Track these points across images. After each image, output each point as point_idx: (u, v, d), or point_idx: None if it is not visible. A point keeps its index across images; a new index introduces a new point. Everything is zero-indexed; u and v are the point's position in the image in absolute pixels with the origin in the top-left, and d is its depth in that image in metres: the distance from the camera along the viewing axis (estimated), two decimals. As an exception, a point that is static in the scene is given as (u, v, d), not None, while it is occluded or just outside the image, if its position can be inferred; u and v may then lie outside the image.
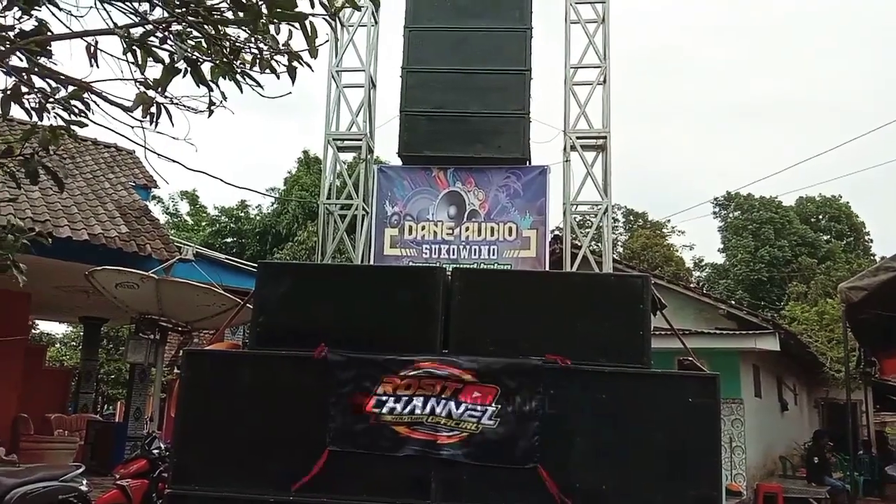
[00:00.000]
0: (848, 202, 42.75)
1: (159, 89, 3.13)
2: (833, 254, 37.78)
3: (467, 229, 7.43)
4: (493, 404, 3.37)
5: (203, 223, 33.22)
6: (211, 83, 3.22)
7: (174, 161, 3.52)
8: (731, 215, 42.04)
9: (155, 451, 8.46)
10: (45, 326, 28.76)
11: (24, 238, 3.92)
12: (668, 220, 42.54)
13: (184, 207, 34.71)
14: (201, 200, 34.66)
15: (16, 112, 3.37)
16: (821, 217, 42.52)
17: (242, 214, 32.27)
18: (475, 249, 7.41)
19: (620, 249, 36.50)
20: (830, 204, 42.40)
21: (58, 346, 31.98)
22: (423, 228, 7.53)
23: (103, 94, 3.34)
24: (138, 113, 3.23)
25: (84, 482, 7.83)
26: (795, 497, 12.93)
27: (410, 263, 7.29)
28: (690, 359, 3.91)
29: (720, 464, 3.29)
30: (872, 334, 14.02)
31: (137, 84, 3.19)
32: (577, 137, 7.41)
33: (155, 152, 3.33)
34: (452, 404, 3.37)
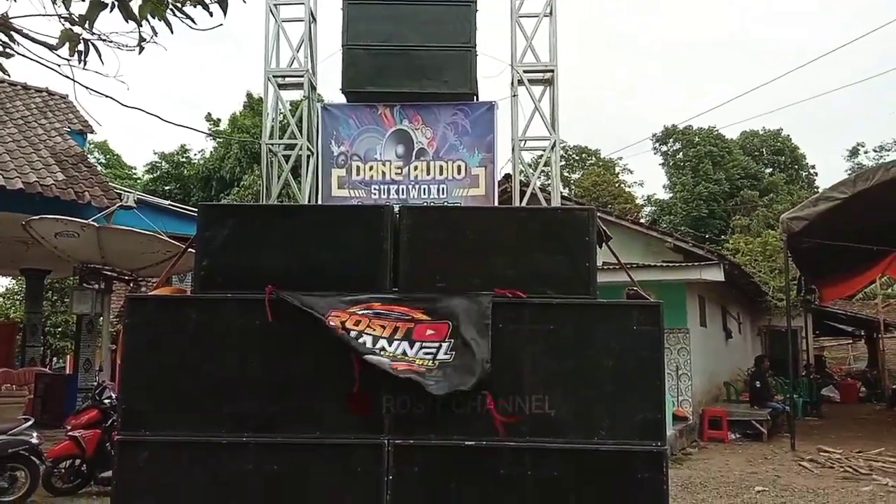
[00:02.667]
0: (789, 135, 43.59)
1: (86, 25, 2.96)
2: (776, 186, 38.67)
3: (416, 168, 7.35)
4: (447, 339, 3.37)
5: (140, 171, 32.27)
6: (139, 18, 3.06)
7: (107, 97, 3.37)
8: (670, 150, 42.47)
9: (106, 401, 8.39)
10: (-15, 281, 27.92)
11: None
12: (620, 159, 42.92)
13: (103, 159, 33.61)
14: (135, 152, 33.62)
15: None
16: (764, 150, 43.26)
17: (184, 160, 31.39)
18: (424, 189, 7.36)
19: (568, 190, 36.71)
20: (774, 137, 43.12)
21: (1, 300, 31.13)
22: (370, 168, 7.42)
23: (24, 31, 3.16)
24: (65, 52, 3.07)
25: (34, 435, 7.75)
26: (739, 420, 13.53)
27: (358, 204, 7.21)
28: (636, 289, 3.98)
29: (664, 388, 3.38)
30: (813, 263, 14.54)
31: (62, 20, 3.01)
32: (525, 71, 7.33)
33: (86, 87, 3.17)
34: (406, 344, 3.35)
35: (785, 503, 7.74)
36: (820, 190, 26.31)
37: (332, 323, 3.31)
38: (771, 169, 42.67)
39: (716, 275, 12.52)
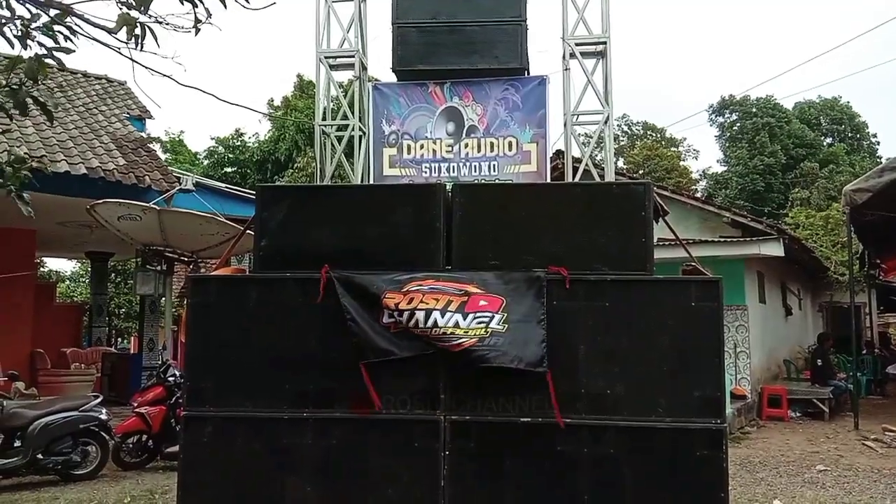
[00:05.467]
0: (849, 102, 41.84)
1: (142, 8, 3.03)
2: (836, 156, 37.29)
3: (466, 146, 7.31)
4: (501, 312, 3.38)
5: (201, 157, 32.97)
6: (195, -1, 3.12)
7: (166, 76, 3.44)
8: (727, 122, 41.26)
9: (170, 379, 8.67)
10: (53, 264, 28.99)
11: (23, 169, 3.88)
12: (685, 139, 41.96)
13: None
14: (192, 141, 34.43)
15: (-1, 45, 3.28)
16: (822, 120, 41.72)
17: (239, 143, 31.91)
18: (475, 166, 7.32)
19: (620, 163, 36.07)
20: (832, 106, 41.48)
21: (67, 282, 32.30)
22: (421, 147, 7.42)
23: (85, 16, 3.25)
24: (123, 36, 3.14)
25: (103, 411, 8.06)
26: (799, 398, 13.24)
27: (410, 183, 7.22)
28: (693, 264, 3.92)
29: (724, 366, 3.33)
30: (877, 236, 14.06)
31: (119, 5, 3.09)
32: (576, 44, 7.20)
33: (145, 66, 3.24)
34: (459, 315, 3.35)
35: (848, 483, 7.56)
36: (883, 160, 25.35)
37: (385, 320, 3.40)
38: (830, 139, 41.19)
39: (775, 250, 12.19)
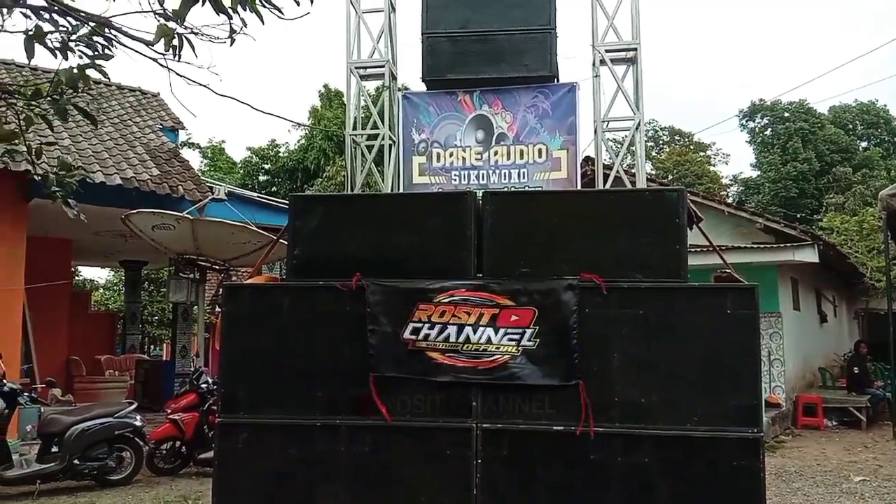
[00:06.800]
0: (886, 105, 41.03)
1: (179, 20, 3.09)
2: (871, 161, 36.56)
3: (496, 153, 7.33)
4: (532, 326, 3.38)
5: (237, 167, 33.49)
6: (230, 10, 3.17)
7: (202, 85, 3.49)
8: (757, 127, 40.67)
9: (203, 386, 8.76)
10: (88, 273, 29.52)
11: (68, 177, 3.98)
12: (714, 143, 41.48)
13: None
14: (228, 151, 35.01)
15: (39, 57, 3.37)
16: (857, 124, 40.97)
17: (272, 154, 32.31)
18: (505, 173, 7.33)
19: (650, 168, 35.75)
20: (868, 110, 40.73)
21: (101, 290, 32.83)
22: (450, 155, 7.45)
23: (123, 28, 3.32)
24: (160, 47, 3.20)
25: (138, 417, 8.17)
26: (835, 407, 12.99)
27: (440, 191, 7.25)
28: (728, 271, 3.87)
29: (760, 373, 3.29)
30: (915, 241, 13.75)
31: (157, 16, 3.15)
32: (606, 51, 7.18)
33: (181, 76, 3.30)
34: (491, 330, 3.39)
35: (889, 494, 7.39)
36: (923, 165, 24.80)
37: (405, 335, 3.43)
38: (865, 143, 40.43)
39: (809, 256, 12.00)
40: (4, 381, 7.34)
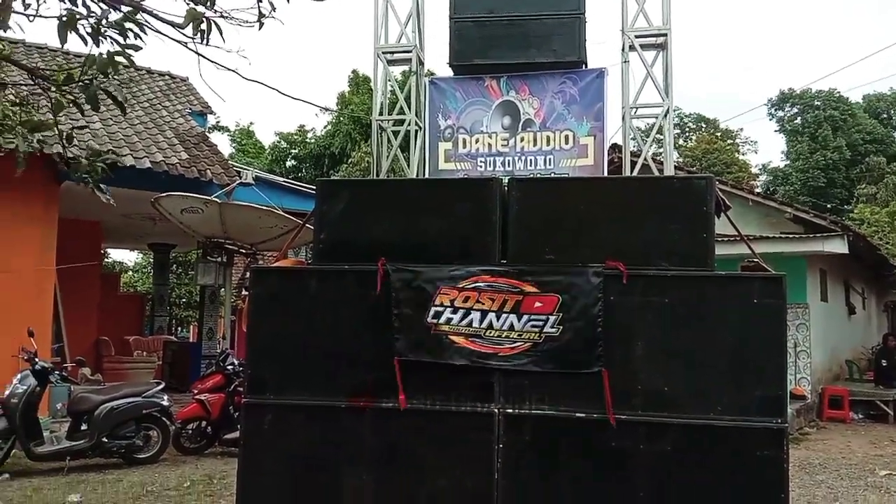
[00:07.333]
0: (923, 94, 40.08)
1: (208, 4, 3.12)
2: (905, 151, 35.81)
3: (522, 140, 7.29)
4: (555, 313, 3.38)
5: (266, 150, 33.74)
6: (259, -8, 3.19)
7: (230, 69, 3.53)
8: (787, 116, 39.98)
9: (229, 367, 8.89)
10: (117, 256, 29.96)
11: (98, 162, 4.05)
12: (741, 129, 40.89)
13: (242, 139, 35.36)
14: (257, 134, 35.27)
15: (71, 43, 3.42)
16: (892, 113, 40.11)
17: (300, 139, 32.48)
18: (531, 160, 7.30)
19: (677, 156, 35.30)
20: (902, 99, 39.87)
21: (130, 273, 33.32)
22: (477, 141, 7.43)
23: (154, 12, 3.35)
24: (189, 31, 3.23)
25: (165, 397, 8.31)
26: (862, 400, 12.84)
27: (466, 177, 7.24)
28: (756, 261, 3.83)
29: (786, 364, 3.26)
30: (948, 233, 13.49)
31: (187, 1, 3.18)
32: (636, 36, 7.10)
33: (210, 60, 3.34)
34: (514, 317, 3.39)
35: (915, 488, 7.31)
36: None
37: (429, 319, 3.44)
38: (901, 133, 39.57)
39: (839, 247, 11.83)
40: (37, 360, 7.49)
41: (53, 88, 3.97)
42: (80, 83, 3.66)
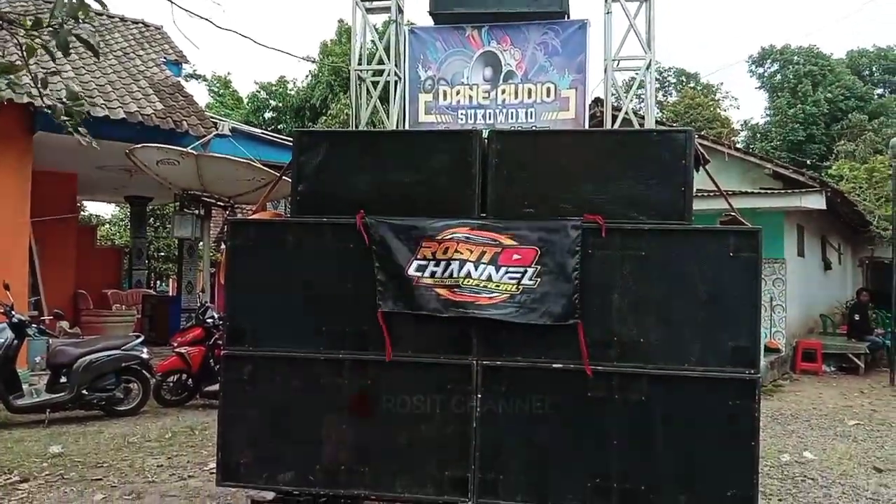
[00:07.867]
0: (905, 51, 40.06)
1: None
2: (886, 108, 35.92)
3: (503, 92, 7.22)
4: (533, 265, 3.40)
5: (244, 102, 33.16)
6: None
7: (203, 18, 3.43)
8: (767, 73, 39.89)
9: (209, 321, 8.87)
10: (93, 208, 29.54)
11: (75, 106, 3.95)
12: (721, 84, 40.75)
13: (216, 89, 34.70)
14: (237, 85, 34.65)
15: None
16: (874, 69, 40.10)
17: (281, 90, 31.94)
18: (512, 113, 7.24)
19: (661, 113, 35.24)
20: (885, 55, 39.83)
21: (107, 226, 32.92)
22: (457, 93, 7.35)
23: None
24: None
25: (144, 350, 8.29)
26: (834, 353, 13.12)
27: (446, 129, 7.18)
28: (733, 215, 3.86)
29: (759, 316, 3.31)
30: (924, 190, 13.63)
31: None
32: (619, -12, 7.02)
33: (183, 8, 3.24)
34: (492, 268, 3.41)
35: (881, 437, 7.52)
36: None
37: (411, 272, 3.46)
38: (882, 90, 39.65)
39: (817, 202, 11.93)
40: (14, 313, 7.42)
41: (23, 33, 3.85)
42: (50, 27, 3.55)
